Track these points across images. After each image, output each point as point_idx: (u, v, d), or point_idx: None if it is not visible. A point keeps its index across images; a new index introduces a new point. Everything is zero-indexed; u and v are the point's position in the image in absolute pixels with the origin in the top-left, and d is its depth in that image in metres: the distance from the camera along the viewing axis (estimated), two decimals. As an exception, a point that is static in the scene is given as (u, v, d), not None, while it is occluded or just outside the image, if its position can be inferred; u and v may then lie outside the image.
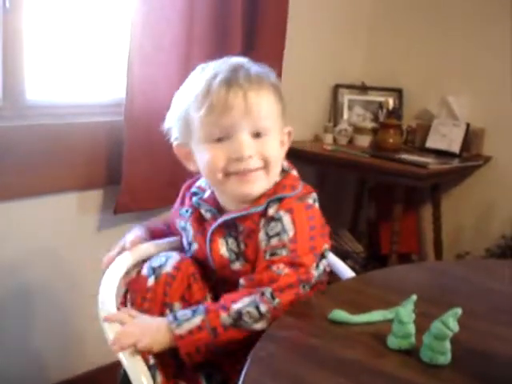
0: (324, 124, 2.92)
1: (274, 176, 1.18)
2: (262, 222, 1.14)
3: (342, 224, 3.08)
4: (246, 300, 1.05)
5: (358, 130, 2.88)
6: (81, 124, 1.98)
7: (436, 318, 0.91)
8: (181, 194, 1.34)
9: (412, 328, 0.92)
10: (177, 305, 1.17)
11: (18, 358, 1.93)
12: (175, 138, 1.23)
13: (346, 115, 2.96)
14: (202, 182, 1.30)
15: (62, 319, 2.02)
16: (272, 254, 1.10)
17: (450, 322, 0.88)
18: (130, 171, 1.98)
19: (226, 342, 1.05)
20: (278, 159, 1.20)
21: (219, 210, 1.22)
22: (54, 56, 1.99)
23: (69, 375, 2.07)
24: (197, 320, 1.03)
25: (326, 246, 1.20)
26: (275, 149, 1.18)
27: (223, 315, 1.03)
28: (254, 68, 1.18)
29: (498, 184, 2.77)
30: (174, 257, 1.21)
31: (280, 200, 1.15)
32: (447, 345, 0.89)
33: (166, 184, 2.04)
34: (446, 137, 2.73)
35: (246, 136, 1.13)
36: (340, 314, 1.00)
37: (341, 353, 0.92)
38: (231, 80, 1.13)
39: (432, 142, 2.77)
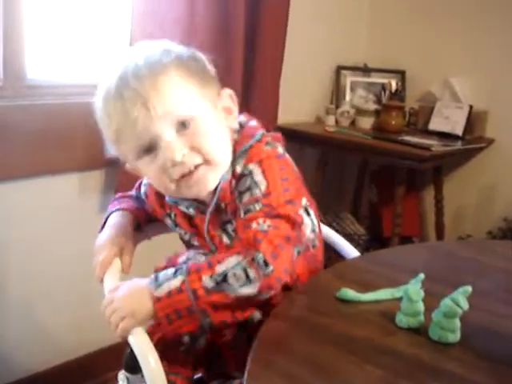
0: (326, 106, 2.90)
1: (223, 162, 1.06)
2: (233, 183, 1.05)
3: (343, 206, 3.07)
4: (232, 260, 0.95)
5: (360, 111, 2.87)
6: (82, 104, 1.92)
7: (444, 296, 0.90)
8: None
9: (421, 306, 0.92)
10: None
11: (20, 340, 1.93)
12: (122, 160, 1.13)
13: (348, 97, 2.94)
14: None
15: (64, 301, 2.02)
16: (246, 211, 1.00)
17: (460, 299, 0.87)
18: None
19: (216, 313, 0.96)
20: (220, 140, 1.06)
21: (196, 199, 1.11)
22: (55, 35, 1.97)
23: (72, 356, 2.07)
24: (177, 281, 0.95)
25: (305, 200, 1.11)
26: (211, 131, 1.05)
27: (205, 277, 0.94)
28: (146, 56, 1.03)
29: (500, 167, 2.75)
30: None
31: (245, 153, 1.05)
32: (457, 323, 0.88)
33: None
34: (449, 119, 2.71)
35: (169, 137, 1.00)
36: (348, 293, 0.99)
37: (350, 331, 0.91)
38: (121, 88, 1.00)
39: (435, 125, 2.75)
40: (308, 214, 1.13)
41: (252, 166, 1.03)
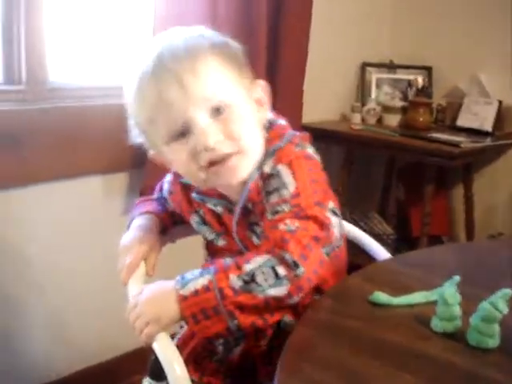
0: (351, 103, 2.86)
1: (256, 152, 1.02)
2: (260, 184, 1.02)
3: (370, 205, 3.03)
4: (260, 259, 0.92)
5: (386, 109, 2.82)
6: (104, 106, 1.95)
7: (481, 299, 0.86)
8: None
9: (458, 310, 0.88)
10: None
11: (44, 344, 1.92)
12: (146, 148, 1.09)
13: (374, 94, 2.90)
14: None
15: (88, 303, 2.01)
16: (274, 212, 0.97)
17: (500, 303, 0.83)
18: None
19: (243, 314, 0.92)
20: (253, 130, 1.03)
21: (224, 197, 1.09)
22: (77, 38, 1.96)
23: (97, 361, 2.06)
24: (203, 280, 0.92)
25: (332, 203, 1.08)
26: (245, 119, 1.02)
27: (232, 276, 0.91)
28: (183, 39, 1.01)
29: (531, 163, 2.69)
30: None
31: (274, 153, 1.02)
32: (496, 327, 0.84)
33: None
34: (478, 115, 2.66)
35: (204, 121, 0.97)
36: (381, 296, 0.95)
37: (383, 336, 0.87)
38: (158, 68, 0.97)
39: (463, 121, 2.70)
40: (336, 214, 1.10)
41: (281, 167, 1.00)
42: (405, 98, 2.85)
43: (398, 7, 3.01)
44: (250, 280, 0.91)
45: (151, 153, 1.10)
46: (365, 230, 1.39)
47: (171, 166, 1.10)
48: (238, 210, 1.06)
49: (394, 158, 3.00)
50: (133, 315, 0.97)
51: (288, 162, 1.00)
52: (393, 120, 2.80)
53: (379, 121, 2.83)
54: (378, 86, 2.91)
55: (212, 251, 1.17)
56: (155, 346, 0.93)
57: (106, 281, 1.97)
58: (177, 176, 1.16)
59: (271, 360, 1.06)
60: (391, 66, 2.97)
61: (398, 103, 2.84)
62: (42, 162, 1.79)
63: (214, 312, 0.92)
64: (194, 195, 1.12)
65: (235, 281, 0.91)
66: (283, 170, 0.99)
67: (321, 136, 2.60)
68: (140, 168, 1.98)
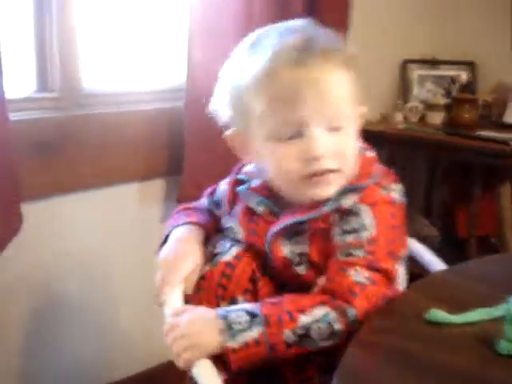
0: (393, 102, 2.77)
1: (349, 175, 1.00)
2: (336, 218, 0.97)
3: (414, 206, 2.93)
4: (317, 313, 0.89)
5: (429, 106, 2.73)
6: (140, 111, 1.92)
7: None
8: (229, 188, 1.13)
9: (528, 330, 0.79)
10: (241, 299, 1.00)
11: (84, 351, 1.89)
12: (228, 124, 1.04)
13: (416, 91, 2.80)
14: (251, 167, 1.10)
15: (127, 311, 1.98)
16: (347, 255, 0.94)
17: None
18: (192, 158, 1.91)
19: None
20: (354, 155, 1.01)
21: (273, 199, 1.04)
22: (111, 43, 1.93)
23: (147, 366, 2.02)
24: (254, 333, 0.88)
25: (403, 251, 1.03)
26: (354, 143, 1.01)
27: (287, 332, 0.88)
28: (324, 39, 0.98)
29: None
30: (238, 245, 1.05)
31: (358, 190, 0.98)
32: None
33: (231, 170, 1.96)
34: (526, 111, 2.55)
35: (322, 132, 0.95)
36: (439, 314, 0.87)
37: (442, 359, 0.79)
38: (300, 61, 0.92)
39: (510, 117, 2.58)
40: (405, 263, 1.04)
41: (363, 207, 0.97)
42: (448, 94, 2.75)
43: (439, 2, 2.91)
44: (305, 335, 0.89)
45: (229, 132, 1.05)
46: (409, 233, 1.31)
47: (255, 157, 1.04)
48: (290, 220, 1.00)
49: (438, 157, 2.90)
50: (171, 337, 0.92)
51: (372, 203, 0.97)
52: (436, 118, 2.70)
53: (422, 119, 2.73)
54: (419, 83, 2.81)
55: None
56: (195, 372, 0.88)
57: (144, 289, 1.93)
58: (238, 173, 1.12)
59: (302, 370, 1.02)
60: (433, 62, 2.87)
61: (442, 100, 2.74)
62: (78, 169, 1.77)
63: (261, 361, 0.90)
64: (239, 188, 1.08)
65: (289, 335, 0.88)
66: (365, 211, 0.96)
67: (362, 136, 2.53)
68: (177, 175, 1.94)
